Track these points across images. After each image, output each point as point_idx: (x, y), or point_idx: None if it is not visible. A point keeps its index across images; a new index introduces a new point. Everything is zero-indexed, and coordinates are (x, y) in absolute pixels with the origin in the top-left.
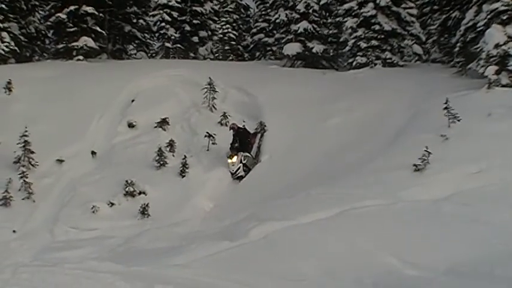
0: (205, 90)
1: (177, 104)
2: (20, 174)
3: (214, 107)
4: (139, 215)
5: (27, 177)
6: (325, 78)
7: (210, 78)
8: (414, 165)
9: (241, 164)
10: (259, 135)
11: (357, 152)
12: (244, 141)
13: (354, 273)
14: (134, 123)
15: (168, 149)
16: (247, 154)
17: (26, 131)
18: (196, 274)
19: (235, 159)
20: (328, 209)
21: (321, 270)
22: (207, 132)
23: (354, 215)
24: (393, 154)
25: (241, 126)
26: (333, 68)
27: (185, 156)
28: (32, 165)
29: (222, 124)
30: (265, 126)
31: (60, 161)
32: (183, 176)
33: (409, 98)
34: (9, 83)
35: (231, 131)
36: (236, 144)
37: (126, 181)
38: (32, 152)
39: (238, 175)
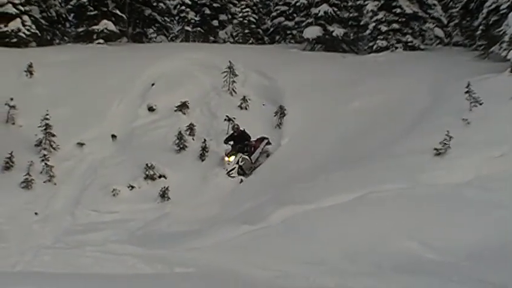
0: (225, 73)
1: (196, 88)
2: (41, 157)
3: (234, 90)
4: (159, 198)
5: (48, 160)
6: (346, 62)
7: (230, 61)
8: (435, 149)
9: (236, 165)
10: (265, 141)
11: (377, 136)
12: (240, 143)
13: (374, 257)
14: (154, 107)
15: (187, 132)
16: (246, 157)
17: (47, 114)
18: (216, 257)
19: (232, 158)
20: (347, 193)
21: (340, 254)
22: (227, 116)
23: (373, 198)
24: (414, 138)
25: (242, 128)
26: (353, 52)
27: (205, 140)
28: (53, 148)
29: (241, 108)
30: (284, 110)
31: (81, 144)
32: (203, 160)
33: (430, 81)
34: (30, 66)
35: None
36: (231, 143)
37: (146, 164)
38: (53, 135)
39: (231, 175)
